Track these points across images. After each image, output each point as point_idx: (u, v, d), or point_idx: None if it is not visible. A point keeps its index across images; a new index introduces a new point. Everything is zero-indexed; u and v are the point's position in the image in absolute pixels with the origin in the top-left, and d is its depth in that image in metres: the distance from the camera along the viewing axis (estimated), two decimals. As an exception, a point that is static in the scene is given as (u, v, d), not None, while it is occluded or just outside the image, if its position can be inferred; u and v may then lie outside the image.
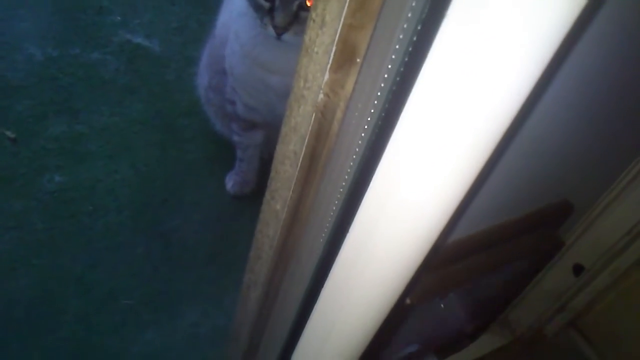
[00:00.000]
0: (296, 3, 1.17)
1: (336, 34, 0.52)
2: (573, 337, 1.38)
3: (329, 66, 0.55)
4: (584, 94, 0.83)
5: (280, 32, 1.20)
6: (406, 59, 0.45)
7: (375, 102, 0.49)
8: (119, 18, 2.07)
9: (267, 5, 1.20)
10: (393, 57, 0.46)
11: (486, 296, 1.27)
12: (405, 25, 0.44)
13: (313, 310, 0.71)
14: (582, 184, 1.13)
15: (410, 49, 0.44)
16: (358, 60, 0.50)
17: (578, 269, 1.27)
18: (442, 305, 1.12)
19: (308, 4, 1.17)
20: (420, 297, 0.95)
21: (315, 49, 0.56)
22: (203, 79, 1.68)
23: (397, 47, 0.45)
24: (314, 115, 0.59)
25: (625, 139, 1.06)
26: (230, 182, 1.73)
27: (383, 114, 0.49)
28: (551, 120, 0.80)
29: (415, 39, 0.44)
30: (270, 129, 1.60)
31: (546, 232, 1.15)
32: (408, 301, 0.93)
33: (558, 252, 1.24)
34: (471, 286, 1.14)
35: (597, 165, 1.10)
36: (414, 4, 0.43)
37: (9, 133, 1.66)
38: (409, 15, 0.43)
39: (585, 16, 0.38)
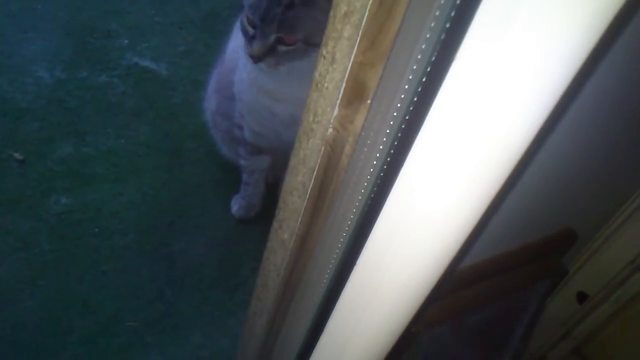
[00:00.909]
0: (272, 36, 1.17)
1: (346, 71, 0.53)
2: (577, 365, 1.38)
3: (338, 101, 0.56)
4: (589, 124, 0.84)
5: (255, 60, 1.21)
6: (415, 99, 0.46)
7: (384, 139, 0.50)
8: (126, 41, 2.09)
9: (251, 32, 1.20)
10: (402, 96, 0.47)
11: (490, 323, 1.27)
12: (415, 67, 0.45)
13: (319, 339, 0.72)
14: (586, 213, 1.13)
15: (419, 89, 0.46)
16: (368, 97, 0.51)
17: (582, 297, 1.27)
18: (445, 333, 1.12)
19: (286, 40, 1.17)
20: (424, 324, 0.95)
21: (326, 85, 0.57)
22: (211, 103, 1.69)
23: (406, 87, 0.46)
24: (323, 148, 0.60)
25: (630, 168, 1.07)
26: (236, 206, 1.74)
27: (392, 151, 0.50)
28: (556, 149, 0.81)
29: (424, 79, 0.45)
30: (276, 155, 1.61)
31: (550, 260, 1.15)
32: (413, 329, 0.93)
33: (562, 280, 1.25)
34: (475, 314, 1.14)
35: (601, 194, 1.10)
36: (424, 46, 0.44)
37: (16, 155, 1.67)
38: (419, 57, 0.44)
39: (596, 51, 0.39)
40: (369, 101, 0.51)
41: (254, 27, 1.20)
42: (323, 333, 0.70)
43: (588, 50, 0.38)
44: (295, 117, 1.39)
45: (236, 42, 1.47)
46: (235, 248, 1.69)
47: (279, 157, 1.60)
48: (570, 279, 1.26)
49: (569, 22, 0.36)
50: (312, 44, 1.19)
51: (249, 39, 1.22)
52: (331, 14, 0.52)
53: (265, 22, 1.16)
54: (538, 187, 0.89)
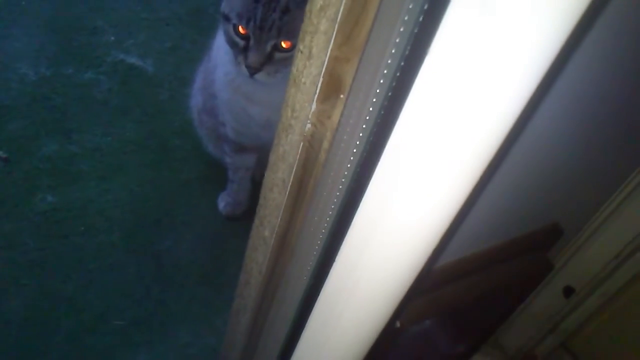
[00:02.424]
0: (270, 43, 1.15)
1: (323, 65, 0.53)
2: (564, 359, 1.39)
3: (316, 96, 0.55)
4: (573, 119, 0.84)
5: (253, 71, 1.19)
6: (390, 93, 0.46)
7: (361, 134, 0.50)
8: (112, 38, 2.08)
9: (242, 43, 1.18)
10: (377, 90, 0.47)
11: (477, 318, 1.27)
12: (389, 61, 0.45)
13: (302, 335, 0.72)
14: (571, 208, 1.13)
15: (394, 83, 0.45)
16: (343, 93, 0.51)
17: (568, 291, 1.27)
18: (431, 328, 1.12)
19: (284, 45, 1.15)
20: (410, 319, 0.95)
21: (303, 80, 0.56)
22: (197, 100, 1.67)
23: (381, 81, 0.46)
24: (301, 144, 0.60)
25: (613, 165, 1.07)
26: (222, 203, 1.73)
27: (369, 145, 0.50)
28: (540, 145, 0.81)
29: (398, 74, 0.44)
30: (262, 153, 1.60)
31: (536, 255, 1.16)
32: (398, 324, 0.93)
33: (548, 275, 1.25)
34: (461, 309, 1.14)
35: (586, 190, 1.10)
36: (397, 40, 0.43)
37: (1, 153, 1.66)
38: (393, 51, 0.44)
39: (571, 41, 0.39)
40: (342, 96, 0.51)
41: (242, 38, 1.18)
42: (305, 329, 0.70)
43: (565, 36, 0.38)
44: (271, 121, 1.38)
45: (222, 39, 1.45)
46: (223, 245, 1.68)
47: (264, 155, 1.59)
48: (557, 274, 1.27)
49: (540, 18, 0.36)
50: None
51: (240, 50, 1.19)
52: (307, 8, 0.52)
53: (264, 30, 1.14)
54: (524, 182, 0.89)
